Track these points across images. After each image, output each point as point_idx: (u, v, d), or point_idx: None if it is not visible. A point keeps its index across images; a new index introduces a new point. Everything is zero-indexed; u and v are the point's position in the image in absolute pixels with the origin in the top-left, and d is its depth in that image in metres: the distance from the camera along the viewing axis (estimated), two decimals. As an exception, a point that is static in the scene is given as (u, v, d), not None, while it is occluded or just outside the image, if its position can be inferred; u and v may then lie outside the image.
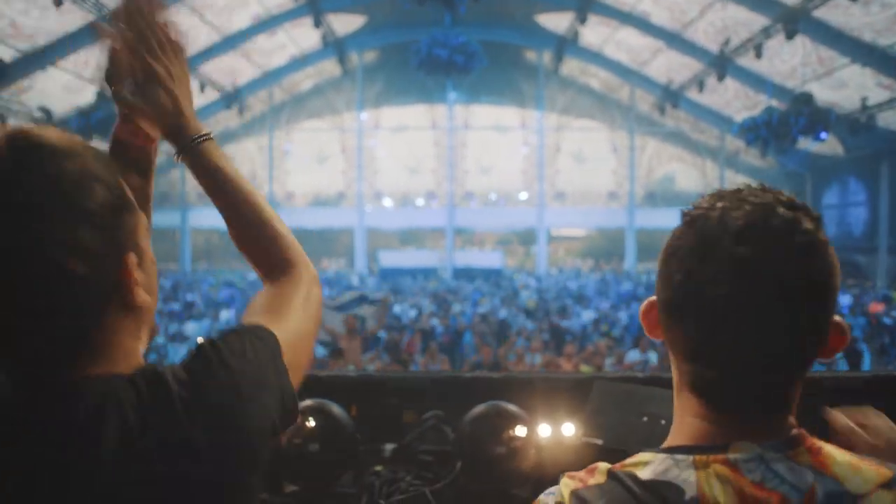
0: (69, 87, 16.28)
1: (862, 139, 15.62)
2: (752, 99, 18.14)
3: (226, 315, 9.25)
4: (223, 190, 0.76)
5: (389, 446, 1.57)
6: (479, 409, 1.46)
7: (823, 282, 0.58)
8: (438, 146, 23.94)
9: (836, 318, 0.59)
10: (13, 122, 14.96)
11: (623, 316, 10.72)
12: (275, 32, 18.43)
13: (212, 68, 18.70)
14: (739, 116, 17.21)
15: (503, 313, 10.57)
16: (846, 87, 15.38)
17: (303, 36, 19.07)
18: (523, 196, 24.22)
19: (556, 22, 18.91)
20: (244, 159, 24.85)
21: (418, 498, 1.36)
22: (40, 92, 15.71)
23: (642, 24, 16.90)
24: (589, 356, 6.04)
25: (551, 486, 0.71)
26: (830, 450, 0.56)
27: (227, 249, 29.17)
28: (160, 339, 7.81)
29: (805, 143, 14.38)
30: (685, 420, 0.60)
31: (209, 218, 24.30)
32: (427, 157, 24.16)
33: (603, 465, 0.59)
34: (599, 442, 1.43)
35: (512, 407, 1.46)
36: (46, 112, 15.93)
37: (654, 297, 0.64)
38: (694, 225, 0.58)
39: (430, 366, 6.40)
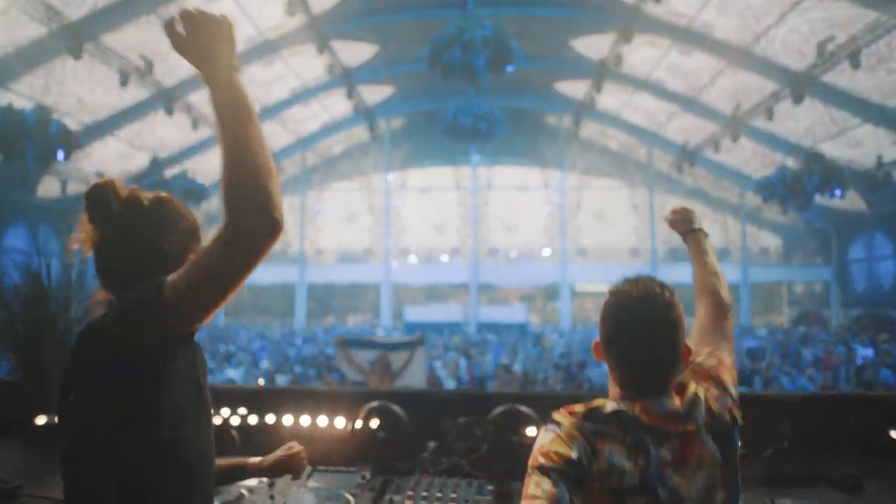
0: (121, 154, 17.69)
1: (883, 195, 15.79)
2: (770, 157, 18.54)
3: (265, 364, 9.83)
4: None
5: (432, 444, 2.05)
6: (499, 409, 1.94)
7: (678, 322, 1.10)
8: (463, 205, 24.81)
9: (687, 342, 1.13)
10: (72, 187, 16.15)
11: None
12: (308, 102, 19.87)
13: (252, 136, 20.19)
14: (757, 174, 17.58)
15: (525, 365, 10.82)
16: (862, 145, 15.70)
17: (335, 105, 20.50)
18: (546, 253, 24.66)
19: (575, 89, 19.92)
20: (277, 218, 26.04)
21: (457, 467, 1.83)
22: (96, 159, 17.09)
23: (657, 91, 17.77)
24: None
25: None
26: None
27: (255, 304, 30.09)
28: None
29: (823, 200, 14.65)
30: (616, 389, 1.13)
31: (242, 274, 25.26)
32: (452, 216, 24.99)
33: (578, 406, 1.09)
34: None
35: (524, 408, 1.94)
36: (101, 177, 17.31)
37: (598, 339, 1.16)
38: (617, 297, 1.13)
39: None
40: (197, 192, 14.66)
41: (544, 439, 1.05)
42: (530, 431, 1.91)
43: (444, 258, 24.97)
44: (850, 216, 19.65)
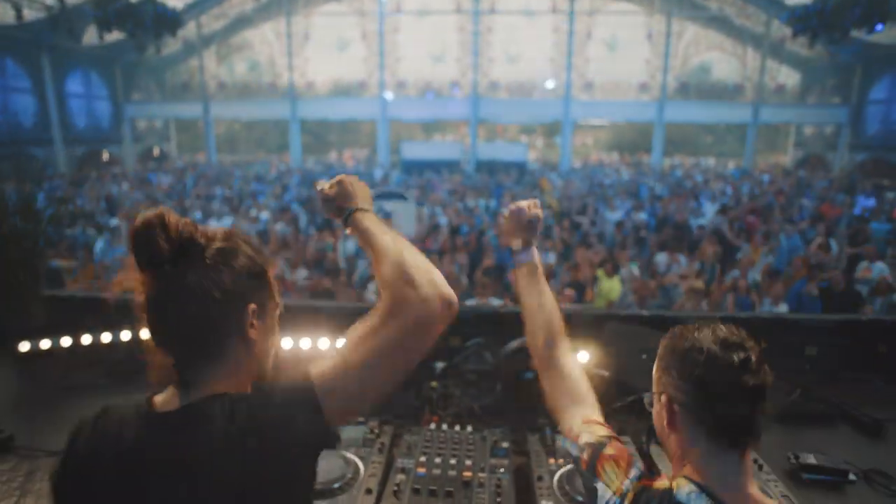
0: (79, -29, 15.63)
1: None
2: (809, -21, 16.54)
3: (264, 215, 9.73)
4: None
5: (440, 364, 1.98)
6: (514, 343, 1.83)
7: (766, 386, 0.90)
8: (463, 32, 22.74)
9: None
10: (28, 13, 14.56)
11: (644, 216, 10.78)
12: None
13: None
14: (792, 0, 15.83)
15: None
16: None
17: None
18: (550, 85, 23.26)
19: None
20: (262, 45, 24.06)
21: (468, 410, 1.78)
22: (50, -22, 15.15)
23: None
24: (603, 261, 6.28)
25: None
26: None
27: (248, 138, 29.29)
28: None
29: (858, 34, 13.35)
30: (703, 459, 0.91)
31: (231, 109, 24.17)
32: (451, 45, 23.06)
33: (660, 481, 0.91)
34: (605, 373, 1.81)
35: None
36: (59, 0, 15.46)
37: (675, 406, 0.93)
38: (709, 364, 0.89)
39: (455, 263, 6.75)
40: (170, 19, 13.17)
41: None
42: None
43: (443, 91, 23.64)
44: (880, 51, 18.24)
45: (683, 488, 0.89)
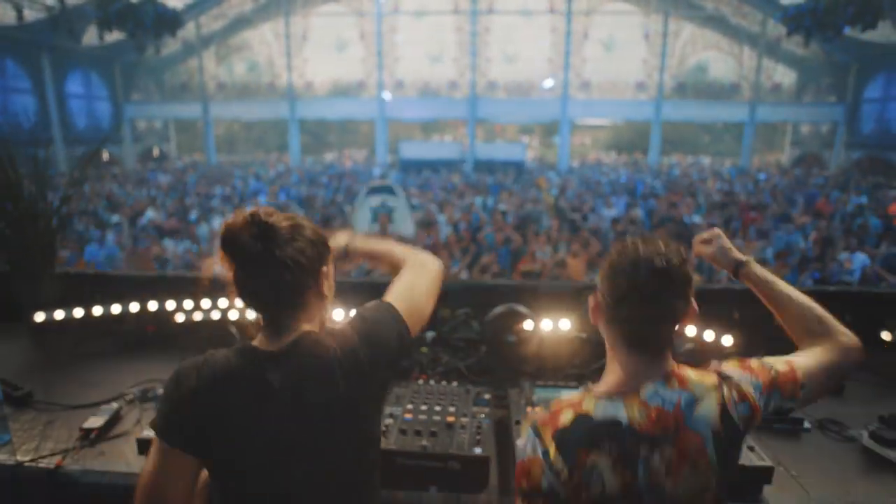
0: (80, -29, 15.73)
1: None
2: (803, -22, 16.67)
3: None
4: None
5: (430, 334, 2.09)
6: (499, 309, 1.95)
7: (682, 281, 0.96)
8: (461, 32, 22.87)
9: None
10: (28, 13, 14.65)
11: (641, 213, 10.89)
12: None
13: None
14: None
15: (522, 211, 10.90)
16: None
17: None
18: (548, 84, 23.40)
19: None
20: (261, 46, 24.19)
21: (455, 371, 1.90)
22: (51, -22, 15.26)
23: None
24: (599, 255, 6.38)
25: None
26: (688, 373, 0.99)
27: (248, 138, 29.41)
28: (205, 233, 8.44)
29: (851, 32, 13.49)
30: (612, 373, 1.01)
31: (230, 109, 24.30)
32: (449, 45, 23.19)
33: (566, 412, 0.96)
34: (584, 335, 1.93)
35: (523, 308, 1.95)
36: (60, 0, 15.58)
37: (597, 294, 1.02)
38: (627, 256, 0.98)
39: (453, 259, 6.87)
40: (170, 20, 13.29)
41: (522, 455, 0.97)
42: (527, 326, 1.94)
43: (441, 91, 23.77)
44: (876, 49, 18.38)
45: (598, 406, 0.96)
